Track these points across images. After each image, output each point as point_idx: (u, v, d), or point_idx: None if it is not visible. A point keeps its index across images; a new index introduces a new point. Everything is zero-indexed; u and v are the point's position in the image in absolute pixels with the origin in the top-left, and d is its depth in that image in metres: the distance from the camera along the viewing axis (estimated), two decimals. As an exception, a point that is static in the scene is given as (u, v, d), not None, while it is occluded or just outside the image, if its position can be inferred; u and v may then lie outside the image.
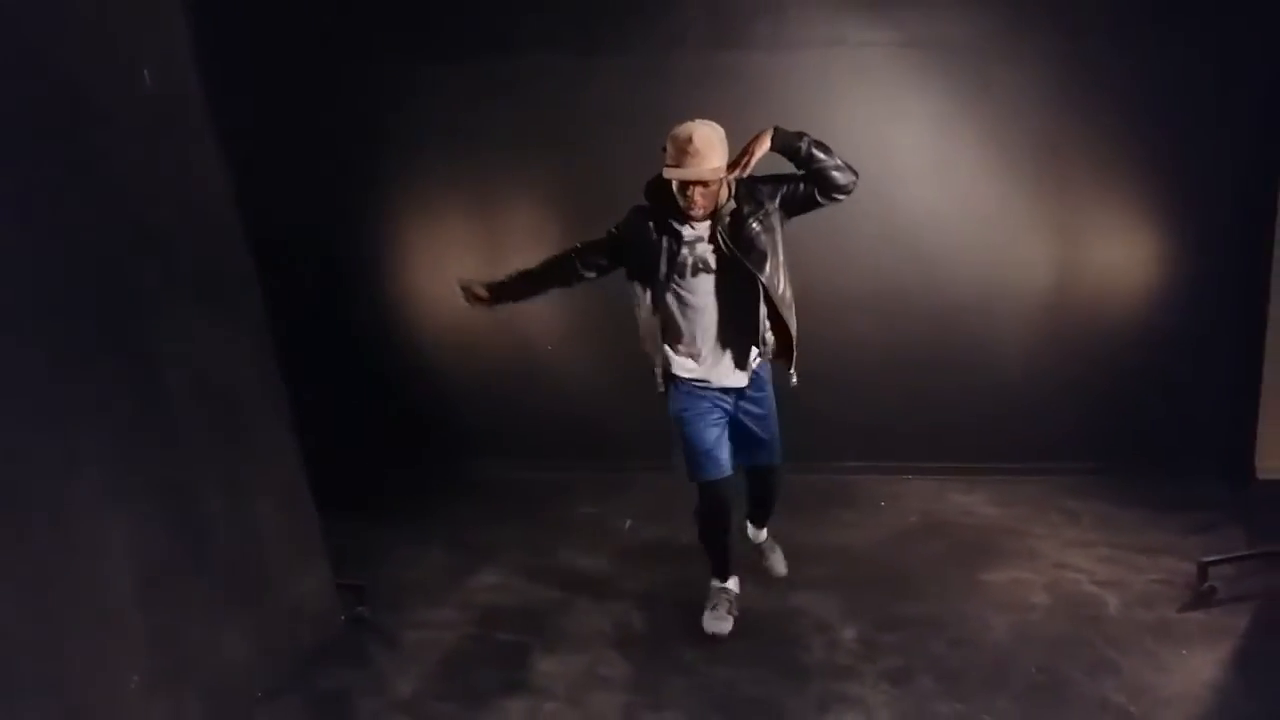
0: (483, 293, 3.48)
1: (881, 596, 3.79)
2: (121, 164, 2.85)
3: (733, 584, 3.65)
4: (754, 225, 3.16)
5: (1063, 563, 4.03)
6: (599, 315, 5.18)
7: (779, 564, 3.94)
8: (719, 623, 3.53)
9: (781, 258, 3.25)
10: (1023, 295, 4.97)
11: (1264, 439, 4.75)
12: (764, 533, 3.93)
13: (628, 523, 4.67)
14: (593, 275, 3.40)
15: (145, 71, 3.00)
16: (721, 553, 3.60)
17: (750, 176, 3.18)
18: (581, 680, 3.29)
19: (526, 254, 5.24)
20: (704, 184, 3.05)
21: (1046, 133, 4.77)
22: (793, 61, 4.83)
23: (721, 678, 3.25)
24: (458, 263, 5.28)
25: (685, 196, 3.08)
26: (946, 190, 4.91)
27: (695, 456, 3.33)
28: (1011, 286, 4.97)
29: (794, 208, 3.24)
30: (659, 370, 3.36)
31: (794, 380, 3.37)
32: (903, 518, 4.63)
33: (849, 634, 3.52)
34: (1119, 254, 4.89)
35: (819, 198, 3.21)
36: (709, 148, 3.00)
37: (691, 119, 4.84)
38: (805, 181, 3.19)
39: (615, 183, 4.95)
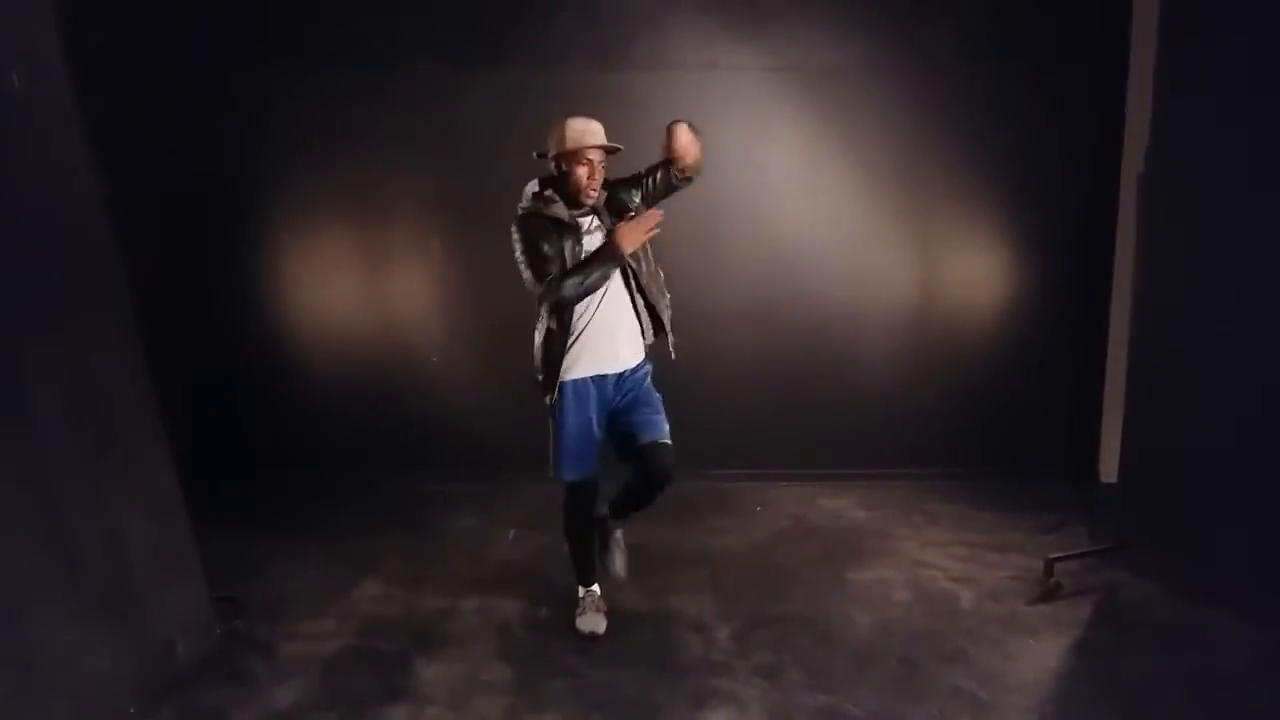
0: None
1: (754, 596, 3.95)
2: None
3: (595, 586, 3.78)
4: (629, 212, 3.38)
5: (923, 561, 4.27)
6: (482, 327, 5.26)
7: (620, 563, 3.76)
8: (594, 622, 3.66)
9: (648, 249, 3.44)
10: (886, 309, 5.25)
11: (1106, 445, 5.12)
12: (619, 529, 3.80)
13: (511, 533, 4.72)
14: None
15: (13, 75, 2.93)
16: (587, 555, 3.73)
17: (610, 181, 3.43)
18: (463, 686, 3.32)
19: (405, 264, 5.30)
20: (604, 158, 3.32)
21: (907, 153, 5.07)
22: (668, 82, 4.99)
23: (601, 679, 3.34)
24: (336, 271, 5.27)
25: (587, 175, 3.27)
26: (815, 207, 5.15)
27: (568, 457, 3.46)
28: (876, 301, 5.24)
29: (655, 198, 3.47)
30: (548, 371, 3.41)
31: (673, 355, 3.55)
32: (775, 522, 4.81)
33: (723, 633, 3.65)
34: (974, 270, 5.22)
35: (676, 181, 3.46)
36: (601, 129, 3.32)
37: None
38: (660, 170, 3.44)
39: (493, 196, 5.03)
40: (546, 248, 3.23)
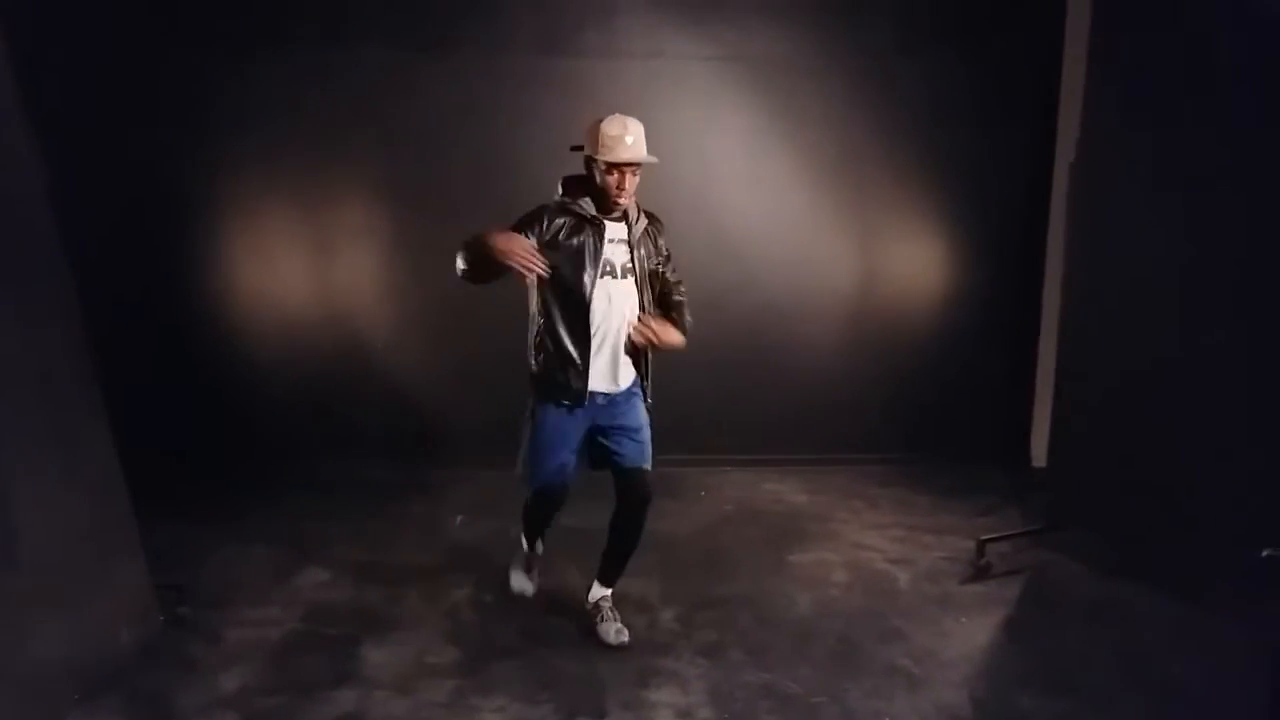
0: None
1: (698, 578, 4.04)
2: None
3: (539, 547, 3.73)
4: (655, 255, 3.34)
5: (861, 544, 4.40)
6: (430, 313, 5.26)
7: (618, 633, 3.49)
8: (523, 582, 3.72)
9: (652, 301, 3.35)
10: (829, 298, 5.37)
11: (1038, 430, 5.29)
12: (608, 590, 3.61)
13: (458, 518, 4.74)
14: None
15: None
16: (537, 528, 3.67)
17: (656, 219, 3.39)
18: (411, 669, 3.36)
19: (354, 248, 5.27)
20: (638, 169, 3.16)
21: (849, 144, 5.18)
22: (616, 70, 5.04)
23: (547, 659, 3.40)
24: (283, 256, 5.23)
25: (616, 185, 3.13)
26: (759, 196, 5.25)
27: (541, 466, 3.35)
28: (819, 290, 5.36)
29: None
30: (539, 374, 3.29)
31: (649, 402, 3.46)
32: (720, 506, 4.92)
33: (668, 614, 3.73)
34: (913, 259, 5.37)
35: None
36: (641, 135, 3.15)
37: (519, 121, 5.01)
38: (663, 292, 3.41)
39: (444, 179, 5.08)
40: (548, 234, 3.12)
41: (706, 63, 5.10)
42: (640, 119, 5.00)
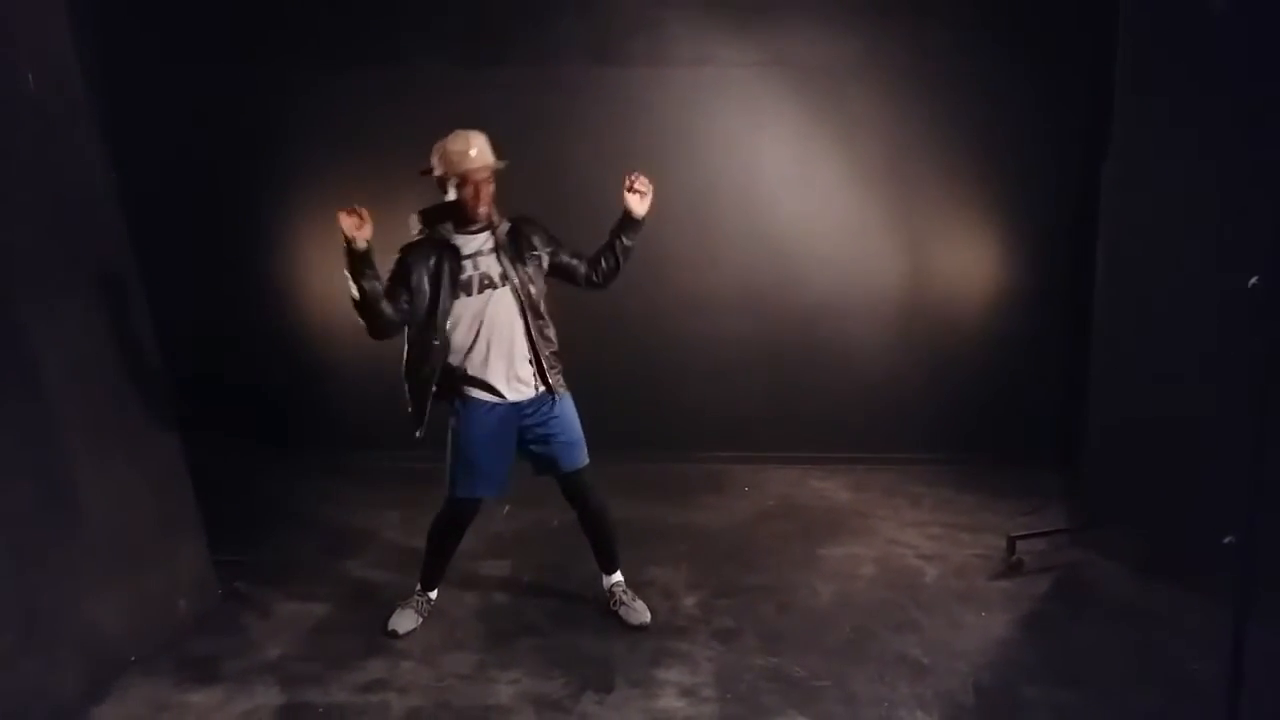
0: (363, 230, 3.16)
1: (726, 569, 4.14)
2: (3, 160, 3.06)
3: (433, 593, 3.81)
4: (532, 253, 3.43)
5: (896, 539, 4.42)
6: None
7: (638, 612, 3.66)
8: (405, 620, 3.67)
9: (542, 297, 3.45)
10: (878, 297, 5.38)
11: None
12: (617, 575, 3.78)
13: (505, 508, 4.93)
14: (398, 318, 3.31)
15: (29, 75, 3.21)
16: (439, 563, 3.77)
17: (526, 219, 3.49)
18: (439, 643, 3.56)
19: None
20: (490, 176, 3.32)
21: (897, 146, 5.19)
22: (664, 78, 5.17)
23: (566, 639, 3.55)
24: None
25: (473, 196, 3.30)
26: (807, 198, 5.30)
27: (468, 474, 3.44)
28: (868, 290, 5.38)
29: (555, 271, 3.53)
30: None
31: (557, 394, 3.46)
32: (761, 501, 4.98)
33: (690, 600, 3.84)
34: (963, 259, 5.33)
35: (580, 280, 3.58)
36: (484, 145, 3.32)
37: (571, 130, 5.19)
38: (581, 260, 3.55)
39: (501, 189, 5.27)
40: (410, 279, 3.29)
41: (754, 68, 5.19)
42: (689, 125, 5.25)
